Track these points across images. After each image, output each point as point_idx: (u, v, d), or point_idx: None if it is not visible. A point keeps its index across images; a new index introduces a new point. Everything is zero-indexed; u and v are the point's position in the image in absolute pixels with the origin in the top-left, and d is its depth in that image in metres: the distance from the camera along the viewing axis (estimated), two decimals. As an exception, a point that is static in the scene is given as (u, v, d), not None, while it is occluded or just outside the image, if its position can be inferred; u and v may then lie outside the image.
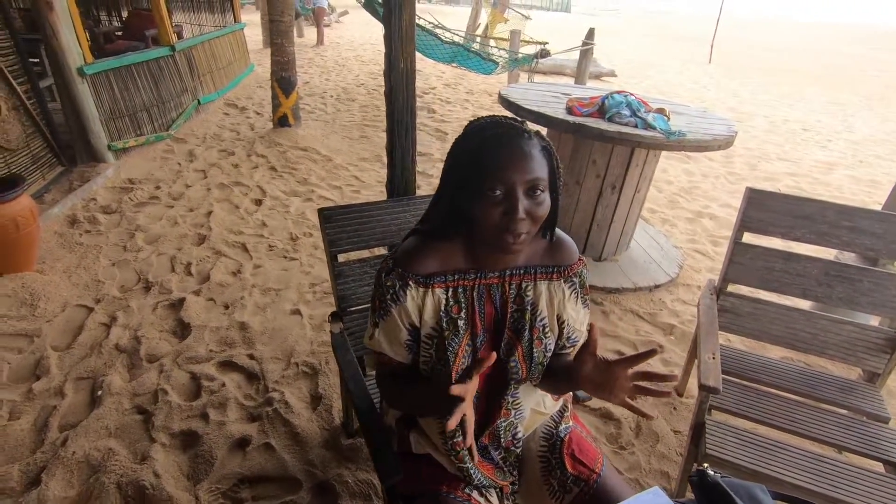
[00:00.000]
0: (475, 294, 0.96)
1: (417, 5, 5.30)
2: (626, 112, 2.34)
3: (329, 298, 2.51)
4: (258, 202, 3.42)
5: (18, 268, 2.34)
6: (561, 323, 1.02)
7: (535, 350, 0.98)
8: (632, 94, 2.45)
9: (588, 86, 4.20)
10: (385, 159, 4.03)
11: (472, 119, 0.92)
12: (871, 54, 22.36)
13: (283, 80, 4.36)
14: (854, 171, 5.41)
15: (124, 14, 6.97)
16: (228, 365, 2.06)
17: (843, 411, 1.58)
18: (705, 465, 0.99)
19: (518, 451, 1.09)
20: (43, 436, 1.69)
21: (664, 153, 3.64)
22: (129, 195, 3.31)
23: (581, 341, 1.07)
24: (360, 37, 13.50)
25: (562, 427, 1.13)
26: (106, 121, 3.56)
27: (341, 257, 1.53)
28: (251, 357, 2.10)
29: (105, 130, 3.54)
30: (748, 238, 1.72)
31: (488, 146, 0.85)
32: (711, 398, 1.53)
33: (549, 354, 1.02)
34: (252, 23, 10.20)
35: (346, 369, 1.36)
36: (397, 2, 1.42)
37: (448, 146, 4.26)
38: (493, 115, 0.92)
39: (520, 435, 1.08)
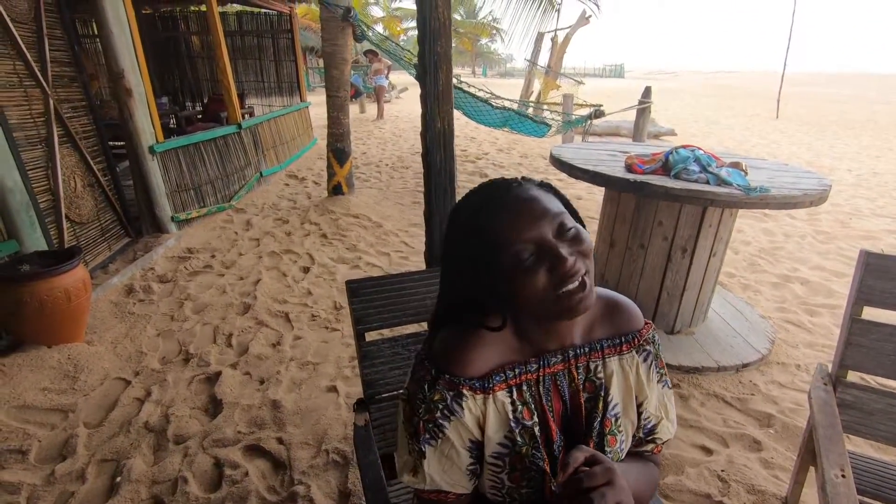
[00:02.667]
0: (541, 389, 0.75)
1: (471, 79, 5.42)
2: (695, 167, 2.10)
3: (368, 374, 2.32)
4: (306, 269, 3.39)
5: (67, 339, 2.35)
6: (639, 407, 0.80)
7: (607, 449, 0.76)
8: (699, 149, 2.21)
9: (652, 143, 3.99)
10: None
11: (481, 184, 0.76)
12: (965, 101, 20.67)
13: (337, 150, 4.50)
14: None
15: (205, 100, 7.70)
16: (255, 450, 1.88)
17: None
18: None
19: None
20: (54, 527, 1.57)
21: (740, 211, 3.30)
22: (186, 264, 3.38)
23: (664, 435, 0.83)
24: (418, 110, 14.18)
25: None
26: (171, 193, 3.76)
27: (370, 335, 1.36)
28: (280, 441, 1.92)
29: (170, 203, 3.72)
30: (868, 313, 1.37)
31: (490, 212, 0.69)
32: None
33: (624, 455, 0.79)
34: (320, 103, 11.04)
35: (365, 474, 1.14)
36: (433, 60, 1.32)
37: None
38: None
39: None
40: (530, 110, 5.85)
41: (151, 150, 3.50)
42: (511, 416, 0.72)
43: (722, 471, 1.78)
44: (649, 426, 0.81)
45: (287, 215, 4.45)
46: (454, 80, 5.10)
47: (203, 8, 7.51)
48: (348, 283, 1.35)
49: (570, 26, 9.48)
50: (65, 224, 2.85)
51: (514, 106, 5.23)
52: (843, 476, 1.11)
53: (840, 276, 3.36)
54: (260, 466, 1.81)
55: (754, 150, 8.39)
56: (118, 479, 1.73)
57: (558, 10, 7.57)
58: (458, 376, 0.71)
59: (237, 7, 7.23)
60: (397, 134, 9.61)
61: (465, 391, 0.71)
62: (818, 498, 1.23)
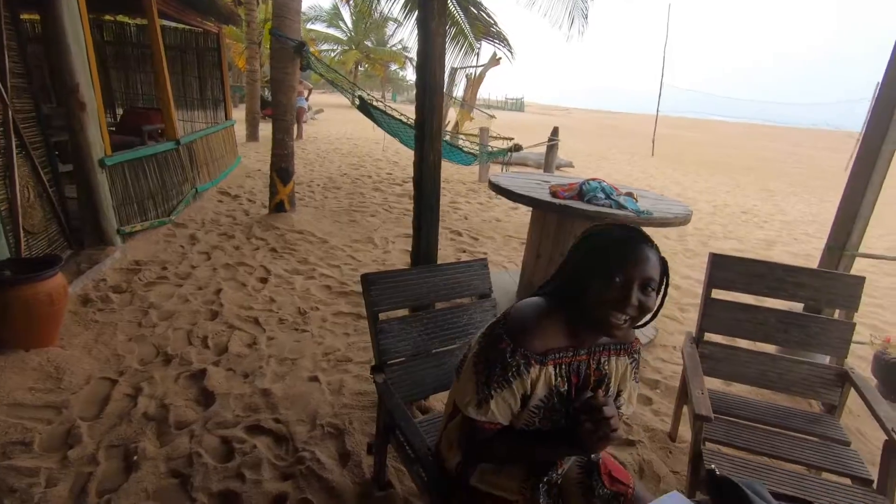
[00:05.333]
0: (571, 369, 1.13)
1: (385, 104, 5.90)
2: (602, 195, 2.79)
3: (344, 365, 2.67)
4: (264, 280, 3.62)
5: (44, 343, 2.42)
6: (618, 394, 1.21)
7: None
8: (604, 181, 2.92)
9: (557, 174, 4.77)
10: (376, 240, 4.38)
11: (598, 223, 1.17)
12: (790, 149, 25.36)
13: (282, 170, 4.75)
14: (790, 247, 6.13)
15: (119, 112, 7.39)
16: (256, 428, 2.15)
17: (813, 438, 1.85)
18: (713, 465, 1.23)
19: (558, 481, 1.27)
20: (83, 500, 1.73)
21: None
22: (138, 276, 3.44)
23: (627, 412, 1.25)
24: (336, 132, 14.46)
25: (593, 454, 1.34)
26: (117, 207, 3.77)
27: (381, 316, 1.77)
28: (277, 421, 2.21)
29: (116, 215, 3.74)
30: (716, 294, 2.08)
31: (620, 244, 1.06)
32: (705, 432, 1.78)
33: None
34: (238, 120, 10.90)
35: (396, 413, 1.54)
36: (430, 107, 1.81)
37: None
38: (619, 222, 1.16)
39: (559, 470, 1.26)
40: (461, 141, 6.49)
41: (101, 162, 3.54)
42: (553, 384, 1.09)
43: (627, 419, 2.40)
44: (619, 405, 1.24)
45: (230, 230, 4.58)
46: (382, 106, 5.61)
47: (119, 18, 7.32)
48: (364, 275, 1.76)
49: (483, 65, 10.48)
50: (21, 233, 2.86)
51: (447, 137, 5.83)
52: (703, 393, 1.74)
53: (698, 283, 4.33)
54: (264, 441, 2.09)
55: (637, 183, 9.85)
56: (135, 457, 1.92)
57: (477, 53, 8.44)
58: (531, 351, 1.05)
59: (162, 21, 7.13)
60: (321, 155, 9.83)
61: (533, 362, 1.06)
62: (688, 415, 1.86)
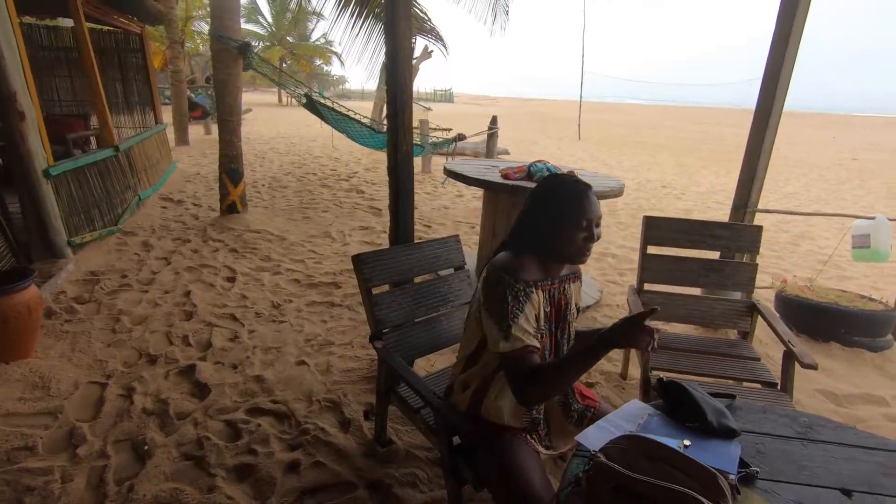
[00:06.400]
0: (550, 295, 1.39)
1: (333, 101, 5.99)
2: (548, 175, 3.13)
3: (327, 348, 2.84)
4: (231, 279, 3.67)
5: (22, 354, 2.41)
6: (577, 307, 1.51)
7: (571, 329, 1.49)
8: (548, 162, 3.27)
9: (497, 160, 5.09)
10: (333, 234, 4.56)
11: (558, 175, 1.43)
12: (698, 127, 27.56)
13: (231, 171, 4.74)
14: (705, 214, 6.89)
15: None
16: (256, 410, 2.30)
17: (733, 358, 2.29)
18: (661, 375, 1.58)
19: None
20: (103, 490, 1.83)
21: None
22: (99, 285, 3.40)
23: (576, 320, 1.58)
24: (269, 132, 14.12)
25: None
26: (65, 218, 3.67)
27: (375, 290, 1.99)
28: (275, 402, 2.36)
29: (64, 227, 3.64)
30: (651, 250, 2.47)
31: (581, 195, 1.33)
32: (651, 362, 2.16)
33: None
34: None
35: (401, 370, 1.77)
36: (402, 102, 2.04)
37: (382, 219, 4.90)
38: (565, 175, 1.42)
39: None
40: None
41: (46, 173, 3.43)
42: (542, 306, 1.34)
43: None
44: (577, 313, 1.56)
45: (184, 235, 4.54)
46: (329, 103, 5.70)
47: (26, 20, 6.81)
48: (355, 256, 1.97)
49: (416, 58, 10.66)
50: (-26, 249, 2.77)
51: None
52: (647, 329, 2.10)
53: (636, 251, 4.85)
54: (267, 420, 2.24)
55: (568, 164, 10.50)
56: (146, 447, 2.02)
57: (413, 47, 8.62)
58: (523, 279, 1.29)
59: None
60: (259, 156, 9.65)
61: (531, 286, 1.30)
62: (635, 354, 2.23)
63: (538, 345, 1.29)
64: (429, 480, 1.95)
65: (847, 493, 1.21)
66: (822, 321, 3.00)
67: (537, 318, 1.32)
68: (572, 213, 1.32)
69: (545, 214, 1.36)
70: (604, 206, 6.69)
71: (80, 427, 2.11)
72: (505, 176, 3.24)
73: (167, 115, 10.98)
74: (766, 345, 3.08)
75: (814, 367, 1.87)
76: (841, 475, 1.26)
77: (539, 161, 3.27)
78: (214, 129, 13.08)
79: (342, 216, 5.63)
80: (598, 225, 1.34)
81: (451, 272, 2.22)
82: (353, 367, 2.66)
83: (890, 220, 2.92)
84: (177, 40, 9.61)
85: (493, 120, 5.90)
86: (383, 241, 4.76)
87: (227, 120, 4.59)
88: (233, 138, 4.66)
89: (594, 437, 1.29)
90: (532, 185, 3.04)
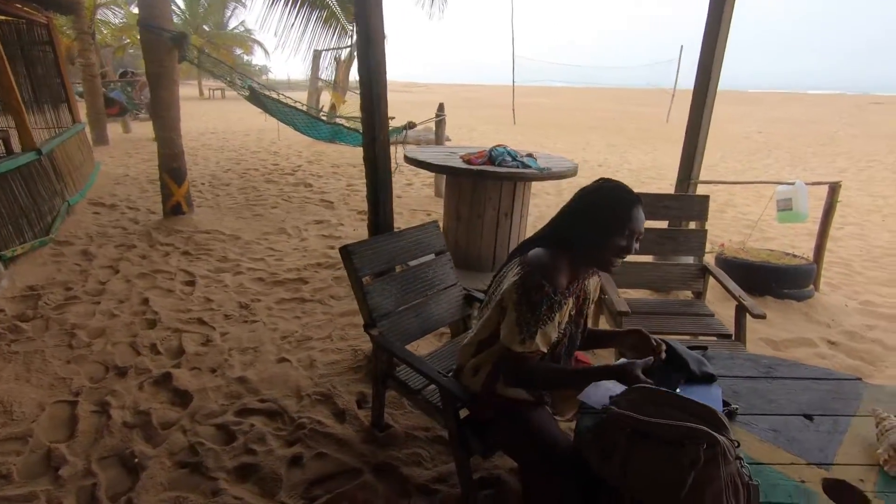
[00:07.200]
0: (575, 297, 1.43)
1: (279, 93, 5.81)
2: (509, 158, 3.25)
3: (306, 343, 2.83)
4: (190, 283, 3.52)
5: (-27, 380, 2.21)
6: (592, 300, 1.55)
7: (587, 322, 1.54)
8: (508, 146, 3.39)
9: (446, 146, 5.17)
10: (289, 230, 4.49)
11: (602, 178, 1.41)
12: (621, 108, 29.01)
13: (174, 170, 4.49)
14: (640, 189, 7.34)
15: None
16: (246, 411, 2.27)
17: (691, 316, 2.53)
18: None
19: None
20: (98, 508, 1.75)
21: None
22: (42, 301, 3.15)
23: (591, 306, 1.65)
24: (196, 127, 13.32)
25: None
26: (-8, 230, 3.35)
27: (366, 280, 2.01)
28: (263, 401, 2.34)
29: (-8, 240, 3.32)
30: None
31: (632, 205, 1.32)
32: (623, 324, 2.35)
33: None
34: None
35: (401, 353, 1.83)
36: (377, 93, 2.06)
37: (336, 212, 4.90)
38: (618, 182, 1.40)
39: None
40: (352, 123, 6.55)
41: (-34, 182, 3.11)
42: (570, 312, 1.39)
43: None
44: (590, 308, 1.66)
45: (127, 241, 4.26)
46: (275, 95, 5.51)
47: None
48: (343, 247, 1.98)
49: (349, 45, 10.44)
50: None
51: (344, 121, 5.89)
52: (619, 297, 2.29)
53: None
54: (259, 419, 2.22)
55: (525, 148, 10.76)
56: (136, 460, 1.95)
57: (351, 34, 8.44)
58: (558, 287, 1.30)
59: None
60: (191, 153, 9.08)
61: (564, 296, 1.32)
62: (605, 317, 2.41)
63: (546, 350, 1.35)
64: (431, 458, 2.03)
65: (808, 417, 1.42)
66: (757, 278, 3.36)
67: (559, 324, 1.36)
68: (620, 221, 1.30)
69: (592, 217, 1.34)
70: (549, 186, 6.96)
71: (56, 448, 1.99)
72: (468, 161, 3.32)
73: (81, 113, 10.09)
74: (712, 303, 3.40)
75: (763, 316, 2.13)
76: (801, 403, 1.48)
77: (499, 146, 3.38)
78: (134, 126, 12.20)
79: (293, 211, 5.50)
80: (638, 240, 1.34)
81: (431, 257, 2.28)
82: (336, 359, 2.67)
83: (806, 184, 3.31)
84: (86, 31, 8.80)
85: (441, 107, 5.95)
86: (342, 234, 4.73)
87: (165, 116, 4.33)
88: (172, 135, 4.41)
89: (594, 395, 1.43)
90: (496, 169, 3.15)
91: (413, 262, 2.20)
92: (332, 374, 2.55)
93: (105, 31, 16.65)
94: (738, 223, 5.62)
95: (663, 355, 1.42)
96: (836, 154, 11.56)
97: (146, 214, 5.07)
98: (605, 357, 2.69)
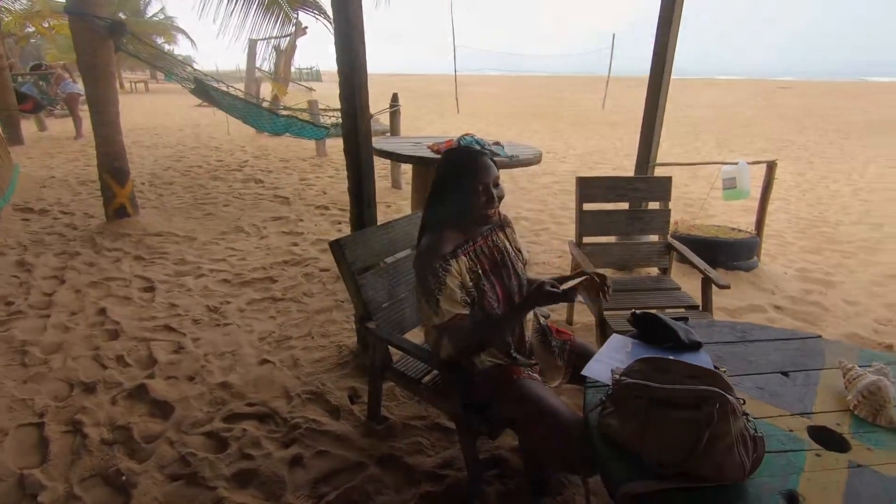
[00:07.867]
0: (476, 254, 1.56)
1: (228, 85, 5.55)
2: (477, 147, 3.29)
3: (286, 343, 2.76)
4: (149, 289, 3.32)
5: (-81, 410, 1.99)
6: (518, 250, 1.69)
7: (520, 271, 1.66)
8: (475, 135, 3.43)
9: (419, 136, 5.14)
10: (246, 228, 4.35)
11: (450, 148, 1.58)
12: (559, 95, 29.81)
13: (116, 170, 4.19)
14: (592, 173, 7.65)
15: None
16: (235, 416, 2.19)
17: (660, 290, 2.70)
18: (635, 310, 1.84)
19: (528, 342, 1.76)
20: (90, 532, 1.65)
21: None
22: (-20, 318, 2.86)
23: (528, 257, 1.79)
24: (125, 123, 12.35)
25: (542, 321, 1.85)
26: (-89, 244, 2.99)
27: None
28: (251, 405, 2.26)
29: (-88, 255, 2.97)
30: (586, 207, 2.77)
31: (471, 161, 1.49)
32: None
33: (525, 270, 1.73)
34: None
35: (404, 343, 1.84)
36: (358, 83, 2.02)
37: (294, 208, 4.82)
38: (466, 145, 1.60)
39: (528, 335, 1.75)
40: (306, 115, 6.33)
41: None
42: (473, 268, 1.50)
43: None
44: (525, 257, 1.76)
45: (69, 248, 3.94)
46: (224, 87, 5.24)
47: None
48: (333, 241, 1.95)
49: (289, 35, 10.05)
50: None
51: (296, 113, 5.68)
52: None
53: (544, 212, 5.29)
54: (250, 423, 2.15)
55: (492, 136, 10.83)
56: (123, 477, 1.84)
57: (295, 23, 8.11)
58: (443, 254, 1.45)
59: None
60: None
61: (448, 258, 1.45)
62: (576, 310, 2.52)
63: (467, 311, 1.44)
64: (432, 445, 2.06)
65: (785, 373, 1.58)
66: (708, 252, 3.58)
67: (463, 285, 1.46)
68: (467, 180, 1.45)
69: (446, 188, 1.50)
70: (504, 175, 7.14)
71: (29, 475, 1.85)
72: (436, 151, 3.33)
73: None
74: (676, 277, 3.63)
75: (728, 286, 2.30)
76: (776, 362, 1.64)
77: (467, 135, 3.41)
78: (50, 123, 11.15)
79: (247, 209, 5.28)
80: (496, 185, 1.48)
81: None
82: (321, 356, 2.63)
83: (749, 163, 3.59)
84: (-12, 18, 7.90)
85: (395, 97, 5.88)
86: (304, 230, 4.60)
87: (103, 112, 4.01)
88: (112, 132, 4.10)
89: (597, 369, 1.51)
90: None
91: (401, 255, 2.20)
92: (319, 371, 2.51)
93: (8, 18, 14.97)
94: (678, 202, 5.99)
95: (596, 279, 1.52)
96: (755, 136, 12.52)
97: (84, 219, 4.70)
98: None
